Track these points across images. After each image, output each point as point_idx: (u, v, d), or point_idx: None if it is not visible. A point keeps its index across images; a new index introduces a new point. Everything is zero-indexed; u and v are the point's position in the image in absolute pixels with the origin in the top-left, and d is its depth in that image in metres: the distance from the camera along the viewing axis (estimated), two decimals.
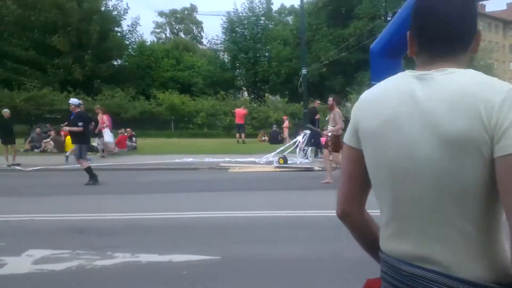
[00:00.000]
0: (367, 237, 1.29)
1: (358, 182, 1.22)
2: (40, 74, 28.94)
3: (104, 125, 14.93)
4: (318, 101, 17.05)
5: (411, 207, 1.08)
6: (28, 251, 4.68)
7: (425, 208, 1.06)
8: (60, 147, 16.17)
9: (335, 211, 1.29)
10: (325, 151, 9.62)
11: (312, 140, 13.28)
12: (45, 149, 16.11)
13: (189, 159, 13.96)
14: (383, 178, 1.12)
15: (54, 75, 28.94)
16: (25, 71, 28.78)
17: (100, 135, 15.02)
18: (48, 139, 16.39)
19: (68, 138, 16.50)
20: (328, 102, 9.70)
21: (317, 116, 15.54)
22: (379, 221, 1.21)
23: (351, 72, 30.17)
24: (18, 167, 12.32)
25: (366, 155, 1.17)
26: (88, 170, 9.65)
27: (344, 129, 7.70)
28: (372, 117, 1.13)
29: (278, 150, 13.44)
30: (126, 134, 17.93)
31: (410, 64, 1.29)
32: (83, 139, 9.87)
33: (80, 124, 9.72)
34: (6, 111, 13.12)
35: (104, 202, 7.69)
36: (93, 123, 13.08)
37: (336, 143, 9.04)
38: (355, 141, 1.20)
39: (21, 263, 4.34)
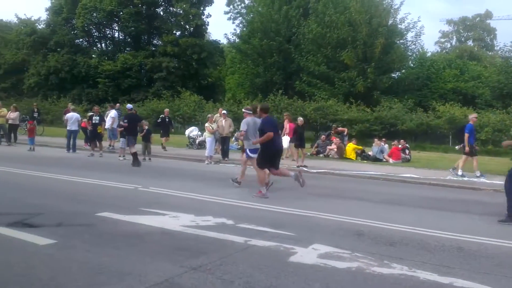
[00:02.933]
0: None
1: None
2: (328, 86, 32.02)
3: (285, 132, 15.98)
4: None
5: None
6: (314, 245, 5.30)
7: None
8: (341, 154, 17.49)
9: None
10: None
11: None
12: (328, 154, 17.71)
13: (465, 177, 12.85)
14: None
15: (340, 87, 31.46)
16: (316, 84, 32.44)
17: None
18: (332, 146, 17.95)
19: (349, 146, 17.69)
20: None
21: None
22: None
23: None
24: (305, 169, 13.97)
25: None
26: (135, 154, 13.15)
27: None
28: None
29: None
30: (400, 146, 17.88)
31: None
32: (129, 132, 13.96)
33: (125, 121, 14.02)
34: (300, 119, 15.17)
35: (378, 210, 7.93)
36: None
37: None
38: None
39: (308, 255, 4.93)
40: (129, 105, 15.91)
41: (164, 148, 18.13)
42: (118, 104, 23.51)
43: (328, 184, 11.59)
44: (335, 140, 18.36)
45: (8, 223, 5.74)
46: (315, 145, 19.15)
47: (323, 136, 19.46)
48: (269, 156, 8.96)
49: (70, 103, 22.90)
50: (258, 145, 9.46)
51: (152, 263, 4.43)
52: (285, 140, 16.73)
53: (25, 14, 68.77)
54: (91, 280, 3.92)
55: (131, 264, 4.38)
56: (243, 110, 10.23)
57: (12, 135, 19.42)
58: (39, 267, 4.21)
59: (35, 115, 22.99)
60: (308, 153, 17.18)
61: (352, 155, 17.38)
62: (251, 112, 9.89)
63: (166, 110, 20.88)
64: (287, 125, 16.84)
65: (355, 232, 6.06)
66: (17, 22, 49.62)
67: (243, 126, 9.61)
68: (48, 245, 4.89)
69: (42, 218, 6.16)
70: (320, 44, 32.95)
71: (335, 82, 31.70)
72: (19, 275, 3.97)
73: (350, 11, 31.95)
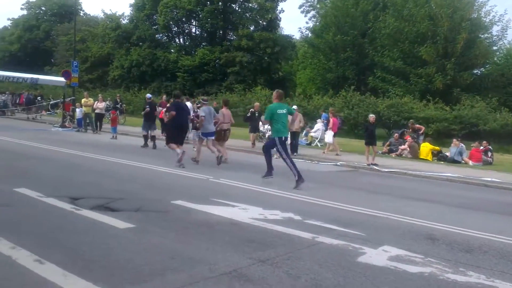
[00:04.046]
0: None
1: None
2: (403, 83, 30.77)
3: (330, 127, 16.98)
4: None
5: None
6: (384, 246, 5.16)
7: None
8: (415, 154, 16.78)
9: None
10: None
11: None
12: (401, 154, 17.07)
13: None
14: None
15: (416, 84, 30.09)
16: (391, 80, 31.29)
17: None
18: (405, 145, 17.27)
19: (423, 145, 16.95)
20: None
21: None
22: None
23: None
24: (375, 167, 13.59)
25: None
26: (153, 138, 15.21)
27: None
28: None
29: None
30: (481, 147, 16.75)
31: None
32: (147, 118, 15.46)
33: (147, 107, 15.47)
34: (372, 116, 14.75)
35: (454, 214, 7.53)
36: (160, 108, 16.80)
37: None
38: None
39: (377, 256, 4.82)
40: (148, 95, 17.73)
41: (253, 144, 17.19)
42: (205, 97, 24.14)
43: (400, 184, 11.20)
44: (408, 139, 17.61)
45: (92, 206, 6.22)
46: (387, 143, 18.53)
47: (396, 134, 18.79)
48: (172, 132, 11.19)
49: (163, 96, 23.99)
50: (211, 129, 11.80)
51: (222, 252, 4.58)
52: (329, 135, 16.64)
53: (110, 10, 73.48)
54: (165, 265, 4.14)
55: (202, 252, 4.57)
56: (200, 100, 12.63)
57: (98, 123, 20.84)
58: (118, 249, 4.52)
59: (118, 105, 24.49)
60: (380, 152, 16.68)
61: (429, 156, 16.56)
62: (206, 102, 12.60)
63: (257, 104, 18.86)
64: (331, 120, 17.16)
65: (428, 236, 5.82)
66: (103, 17, 53.12)
67: (201, 113, 11.83)
68: (127, 229, 5.24)
69: (122, 203, 6.60)
70: (397, 39, 31.71)
71: (411, 78, 30.37)
72: (101, 256, 4.29)
73: (430, 4, 30.36)
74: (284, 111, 9.44)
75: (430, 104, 26.00)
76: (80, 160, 11.25)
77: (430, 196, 9.41)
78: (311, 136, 20.85)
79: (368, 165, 13.82)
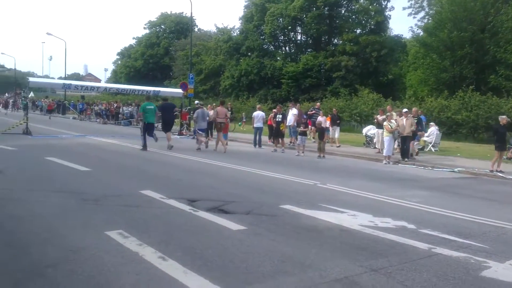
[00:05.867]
0: None
1: None
2: None
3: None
4: None
5: None
6: None
7: None
8: None
9: None
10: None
11: None
12: None
13: None
14: None
15: None
16: None
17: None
18: None
19: None
20: None
21: None
22: None
23: None
24: (500, 174, 12.35)
25: None
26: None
27: None
28: None
29: None
30: None
31: None
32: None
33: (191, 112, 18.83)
34: (504, 118, 13.23)
35: None
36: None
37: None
38: None
39: (504, 271, 4.42)
40: (197, 102, 21.09)
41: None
42: (318, 104, 24.19)
43: None
44: None
45: (207, 208, 6.61)
46: None
47: None
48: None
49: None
50: (203, 126, 16.68)
51: (332, 259, 4.55)
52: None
53: (222, 23, 77.57)
54: (276, 268, 4.24)
55: (312, 257, 4.59)
56: (195, 102, 18.51)
57: (209, 131, 22.00)
58: (232, 250, 4.74)
59: (228, 114, 25.58)
60: (504, 157, 15.07)
61: None
62: (202, 105, 18.14)
63: (414, 109, 17.19)
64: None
65: None
66: (215, 31, 56.29)
67: (195, 114, 16.70)
68: (239, 231, 5.47)
69: (234, 205, 6.91)
70: None
71: None
72: (217, 255, 4.54)
73: None
74: (152, 107, 15.51)
75: None
76: (195, 165, 12.02)
77: None
78: (424, 141, 19.63)
79: (491, 171, 12.60)
